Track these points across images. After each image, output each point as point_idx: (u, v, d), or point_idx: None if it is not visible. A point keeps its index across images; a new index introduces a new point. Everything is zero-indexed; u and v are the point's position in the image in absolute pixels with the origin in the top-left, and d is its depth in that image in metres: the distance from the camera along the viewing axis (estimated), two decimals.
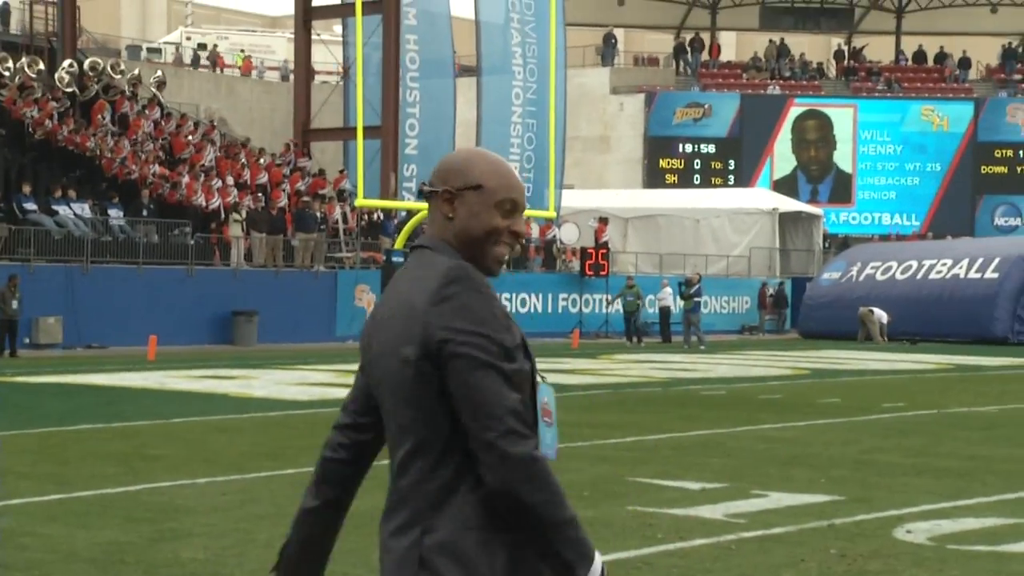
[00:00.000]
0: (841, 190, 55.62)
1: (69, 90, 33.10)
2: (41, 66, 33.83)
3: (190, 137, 34.37)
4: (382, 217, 34.48)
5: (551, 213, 30.92)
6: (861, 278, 39.10)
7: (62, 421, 13.74)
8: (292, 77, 44.73)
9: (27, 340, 25.83)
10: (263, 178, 34.24)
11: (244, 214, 31.30)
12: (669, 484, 9.86)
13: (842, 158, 55.63)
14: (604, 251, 37.03)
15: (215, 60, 54.26)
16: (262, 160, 35.28)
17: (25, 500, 8.87)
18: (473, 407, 2.35)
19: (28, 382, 18.90)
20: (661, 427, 13.91)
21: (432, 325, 2.39)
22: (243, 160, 34.51)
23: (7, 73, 32.45)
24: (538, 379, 2.53)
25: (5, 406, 15.49)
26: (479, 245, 2.54)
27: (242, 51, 56.73)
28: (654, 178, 53.34)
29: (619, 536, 7.75)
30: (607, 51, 56.99)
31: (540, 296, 35.83)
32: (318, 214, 32.22)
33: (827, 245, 49.37)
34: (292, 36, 42.34)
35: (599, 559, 2.40)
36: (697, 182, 53.25)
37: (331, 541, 2.70)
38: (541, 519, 2.36)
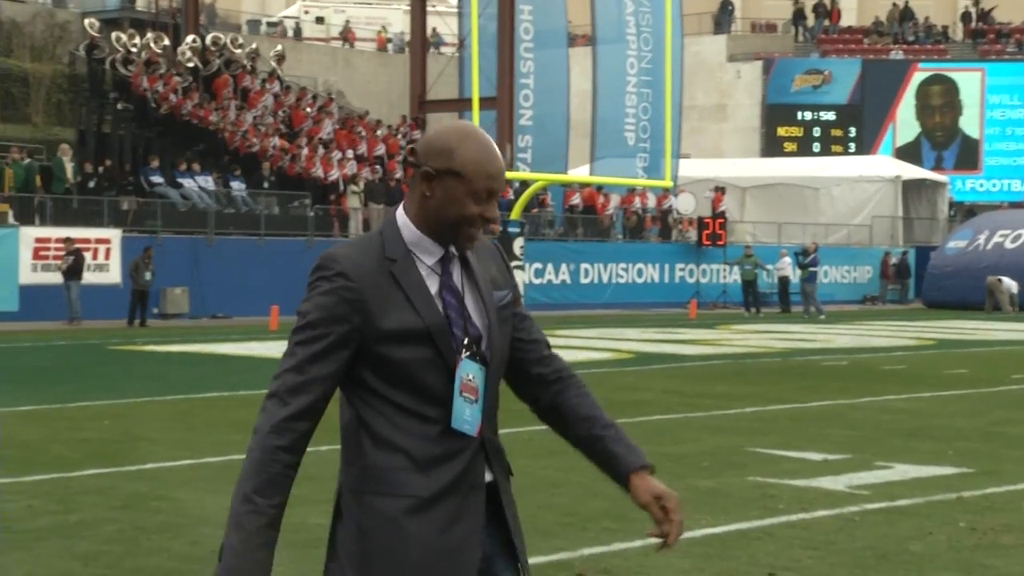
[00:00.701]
0: (967, 157, 54.10)
1: (192, 65, 33.78)
2: (166, 42, 34.57)
3: (309, 110, 34.85)
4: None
5: (667, 183, 30.70)
6: (989, 246, 38.04)
7: (190, 389, 14.11)
8: (408, 49, 45.01)
9: (155, 310, 26.53)
10: (380, 150, 34.58)
11: (362, 186, 31.67)
12: (790, 455, 9.75)
13: (968, 124, 54.09)
14: (721, 221, 36.66)
15: (346, 34, 54.80)
16: (379, 132, 35.62)
17: (157, 465, 9.14)
18: None
19: (157, 351, 19.44)
20: (780, 398, 13.78)
21: None
22: (361, 132, 34.89)
23: (134, 49, 33.22)
24: (462, 356, 2.65)
25: (136, 374, 15.96)
26: (451, 228, 2.68)
27: (383, 28, 56.88)
28: (772, 146, 52.57)
29: (740, 506, 7.70)
30: (723, 18, 56.18)
31: (657, 266, 35.65)
32: None
33: (952, 213, 48.14)
34: (408, 8, 42.56)
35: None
36: (816, 150, 52.34)
37: None
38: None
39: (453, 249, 2.72)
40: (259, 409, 2.69)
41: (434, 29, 49.40)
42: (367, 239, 2.73)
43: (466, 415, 2.67)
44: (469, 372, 2.67)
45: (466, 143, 2.68)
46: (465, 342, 2.69)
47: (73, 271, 24.77)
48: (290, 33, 54.30)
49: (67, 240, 24.99)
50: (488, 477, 2.75)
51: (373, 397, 2.65)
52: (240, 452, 9.83)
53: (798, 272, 33.61)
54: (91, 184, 28.00)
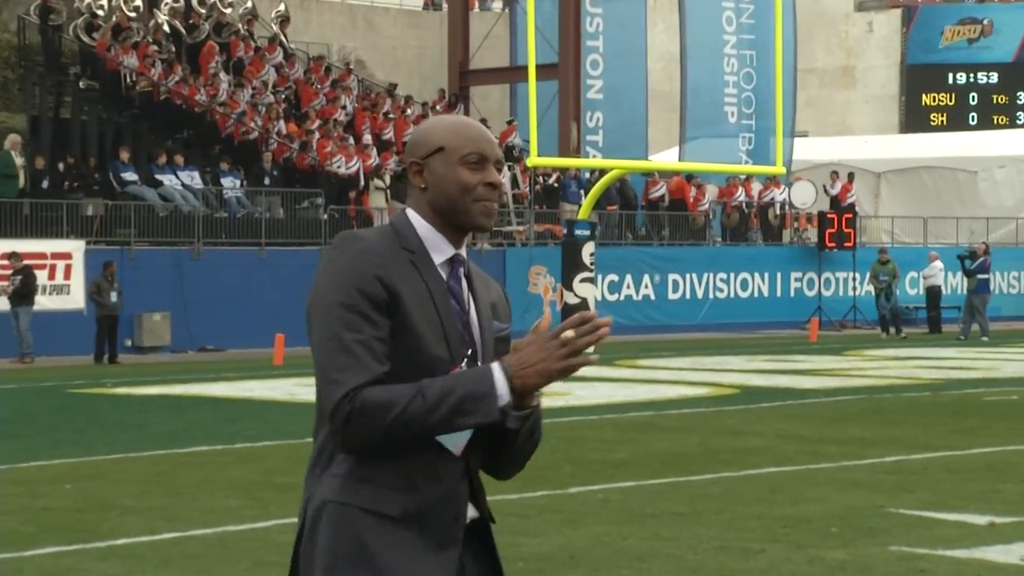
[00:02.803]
0: None
1: (172, 31, 34.12)
2: (139, 2, 34.96)
3: (320, 85, 35.08)
4: (561, 179, 34.60)
5: (779, 169, 30.41)
6: None
7: (173, 442, 14.18)
8: (446, 6, 45.19)
9: (128, 342, 26.77)
10: (411, 132, 34.70)
11: (388, 180, 31.80)
12: (945, 517, 9.69)
13: None
14: (849, 216, 36.41)
15: None
16: (410, 111, 35.78)
17: (132, 540, 9.17)
18: None
19: (131, 394, 19.57)
20: (931, 443, 13.69)
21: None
22: (387, 112, 35.05)
23: (100, 12, 33.58)
24: (461, 365, 3.19)
25: (106, 424, 16.07)
26: (458, 205, 3.24)
27: None
28: (915, 119, 52.18)
29: None
30: None
31: (766, 276, 35.45)
32: None
33: None
34: None
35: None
36: (973, 122, 51.87)
37: None
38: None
39: (462, 253, 3.27)
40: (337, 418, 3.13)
41: None
42: (380, 229, 3.25)
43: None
44: None
45: (439, 121, 3.32)
46: (469, 352, 3.20)
47: (21, 295, 25.02)
48: None
49: (13, 256, 25.25)
50: (473, 512, 3.24)
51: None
52: (238, 522, 9.86)
53: (953, 280, 33.29)
54: (45, 184, 28.33)
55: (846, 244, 35.76)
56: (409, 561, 3.11)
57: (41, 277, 25.85)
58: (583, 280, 27.84)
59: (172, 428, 15.50)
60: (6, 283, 25.16)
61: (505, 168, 33.86)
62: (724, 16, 38.36)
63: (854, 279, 36.14)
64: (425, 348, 3.14)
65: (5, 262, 25.34)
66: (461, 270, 3.28)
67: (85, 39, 32.87)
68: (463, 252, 3.29)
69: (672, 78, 40.18)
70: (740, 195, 37.30)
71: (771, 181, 37.08)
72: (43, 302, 25.90)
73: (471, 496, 3.23)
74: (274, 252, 28.83)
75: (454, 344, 3.18)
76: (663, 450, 13.52)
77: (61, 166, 28.79)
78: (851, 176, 39.23)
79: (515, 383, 3.09)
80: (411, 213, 3.27)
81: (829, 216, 36.18)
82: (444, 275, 3.24)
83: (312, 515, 3.16)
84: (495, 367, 3.10)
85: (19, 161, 27.95)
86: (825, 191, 38.05)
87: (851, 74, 53.44)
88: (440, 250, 3.24)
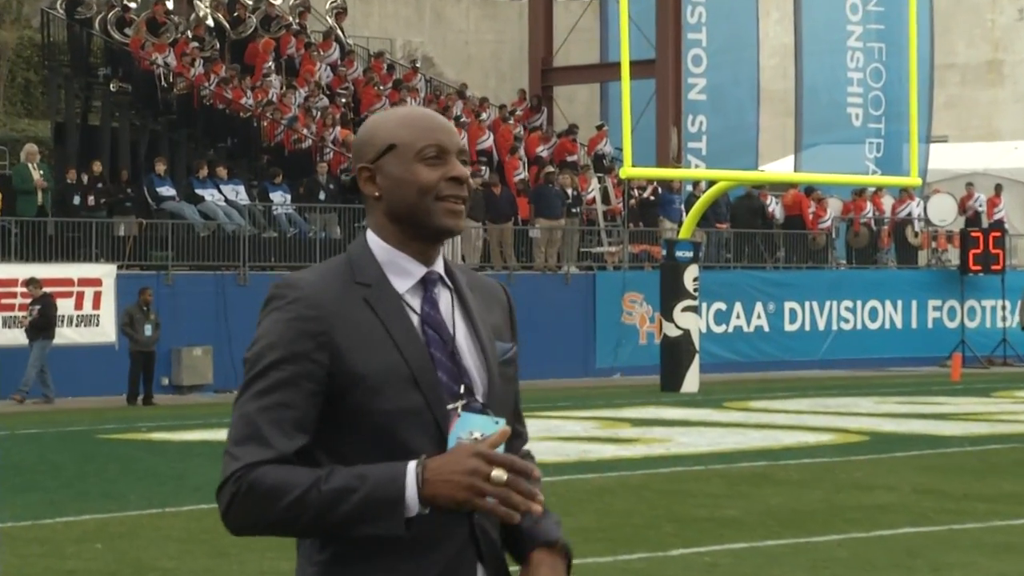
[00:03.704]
0: None
1: (215, 25, 34.44)
2: None
3: (382, 87, 35.28)
4: (659, 192, 34.56)
5: (914, 180, 30.22)
6: None
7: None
8: None
9: (165, 380, 26.99)
10: (487, 140, 34.84)
11: None
12: None
13: None
14: (997, 234, 36.07)
15: None
16: (485, 115, 35.90)
17: None
18: None
19: (170, 440, 19.74)
20: None
21: None
22: (459, 116, 35.18)
23: (133, 5, 33.94)
24: (458, 408, 3.02)
25: (140, 474, 16.19)
26: (418, 208, 3.13)
27: None
28: None
29: None
30: None
31: (899, 304, 35.17)
32: (567, 190, 32.57)
33: None
34: None
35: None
36: None
37: None
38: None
39: (438, 269, 3.16)
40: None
41: None
42: (331, 264, 3.17)
43: None
44: (473, 428, 2.97)
45: (386, 117, 3.21)
46: (460, 390, 3.06)
47: (39, 327, 25.23)
48: None
49: (31, 282, 25.44)
50: None
51: (342, 464, 3.00)
52: None
53: None
54: (74, 200, 28.62)
55: (993, 267, 35.40)
56: None
57: (67, 306, 26.12)
58: (685, 309, 27.77)
59: (216, 479, 15.53)
60: (24, 313, 25.42)
61: (595, 180, 33.91)
62: (848, 3, 38.18)
63: (1003, 308, 35.75)
64: (386, 402, 3.01)
65: (23, 290, 25.57)
66: (438, 290, 3.15)
67: (116, 36, 33.20)
68: (439, 267, 3.16)
69: (787, 76, 40.03)
70: (868, 211, 37.05)
71: (905, 194, 36.81)
72: (69, 335, 26.18)
73: (479, 559, 3.08)
74: None
75: (429, 386, 3.02)
76: (780, 506, 13.44)
77: (88, 179, 29.00)
78: (998, 188, 38.86)
79: (423, 491, 2.90)
80: (370, 236, 3.17)
81: (973, 235, 35.85)
82: (416, 303, 3.11)
83: None
84: (410, 469, 2.91)
85: (38, 175, 28.19)
86: (962, 206, 37.72)
87: (998, 69, 52.98)
88: (407, 273, 3.12)
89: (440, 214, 3.12)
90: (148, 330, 25.64)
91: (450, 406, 3.03)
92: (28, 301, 25.42)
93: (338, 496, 2.91)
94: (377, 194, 3.15)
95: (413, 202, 3.11)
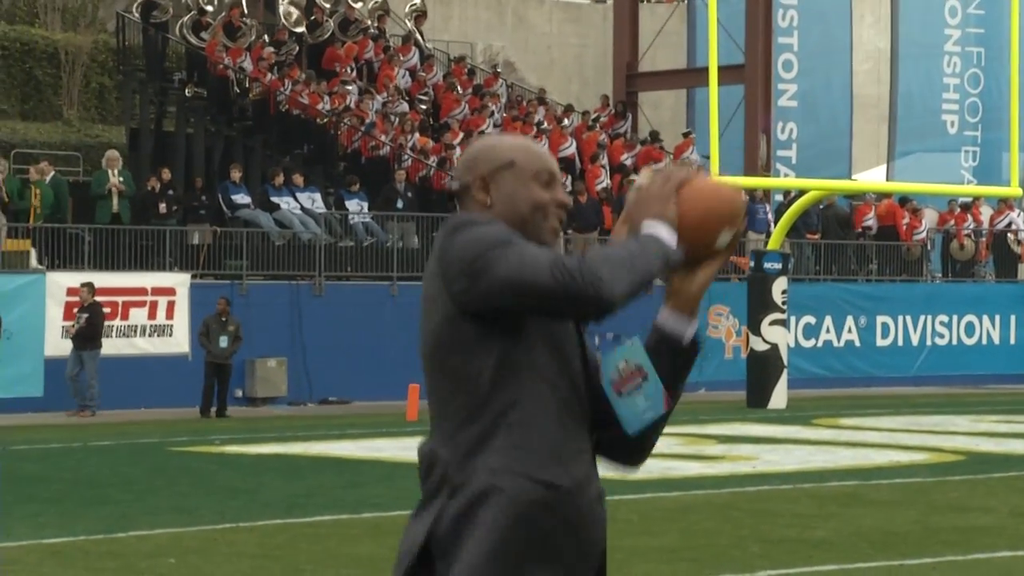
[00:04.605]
0: None
1: (296, 30, 34.61)
2: None
3: (463, 91, 35.32)
4: (747, 202, 34.41)
5: (1015, 190, 29.96)
6: None
7: (291, 511, 14.33)
8: None
9: (239, 392, 27.14)
10: (569, 147, 34.83)
11: None
12: None
13: None
14: None
15: None
16: (567, 121, 35.89)
17: None
18: None
19: (243, 453, 19.83)
20: None
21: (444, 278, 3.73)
22: (541, 122, 35.19)
23: (209, 8, 34.13)
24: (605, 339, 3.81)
25: (213, 488, 16.28)
26: (528, 223, 3.66)
27: None
28: None
29: None
30: None
31: (998, 319, 34.84)
32: None
33: None
34: None
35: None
36: None
37: None
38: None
39: None
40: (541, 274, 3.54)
41: None
42: None
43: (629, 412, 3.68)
44: (620, 360, 3.73)
45: (504, 138, 3.75)
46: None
47: (86, 336, 25.27)
48: None
49: (86, 286, 25.39)
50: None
51: (528, 372, 3.60)
52: None
53: None
54: (162, 208, 28.72)
55: None
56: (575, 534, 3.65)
57: (140, 316, 26.32)
58: (773, 323, 27.65)
59: (290, 493, 15.64)
60: (71, 322, 25.39)
61: None
62: (947, 7, 37.93)
63: None
64: (561, 344, 3.70)
65: (76, 298, 25.49)
66: None
67: (192, 40, 33.40)
68: None
69: (881, 81, 39.81)
70: (969, 223, 36.69)
71: (1004, 204, 36.49)
72: (142, 345, 26.39)
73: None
74: (408, 288, 28.99)
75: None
76: (872, 527, 13.34)
77: (160, 186, 29.08)
78: None
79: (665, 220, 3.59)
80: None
81: None
82: None
83: (470, 501, 3.60)
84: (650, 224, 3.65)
85: (116, 180, 28.32)
86: None
87: None
88: None
89: (545, 231, 3.66)
90: (224, 341, 25.75)
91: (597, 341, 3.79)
92: (76, 309, 25.33)
93: (627, 251, 3.59)
94: (488, 203, 3.67)
95: (525, 216, 3.65)
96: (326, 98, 32.47)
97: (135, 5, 34.06)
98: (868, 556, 11.79)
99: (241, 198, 29.36)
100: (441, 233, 3.65)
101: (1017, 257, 37.29)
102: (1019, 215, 37.10)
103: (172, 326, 26.92)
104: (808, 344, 32.43)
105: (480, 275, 3.52)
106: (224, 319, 25.84)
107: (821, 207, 33.68)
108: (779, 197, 34.23)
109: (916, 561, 11.58)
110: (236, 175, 29.58)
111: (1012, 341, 34.99)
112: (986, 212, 37.21)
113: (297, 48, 34.22)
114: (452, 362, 3.66)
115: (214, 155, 32.00)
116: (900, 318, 33.77)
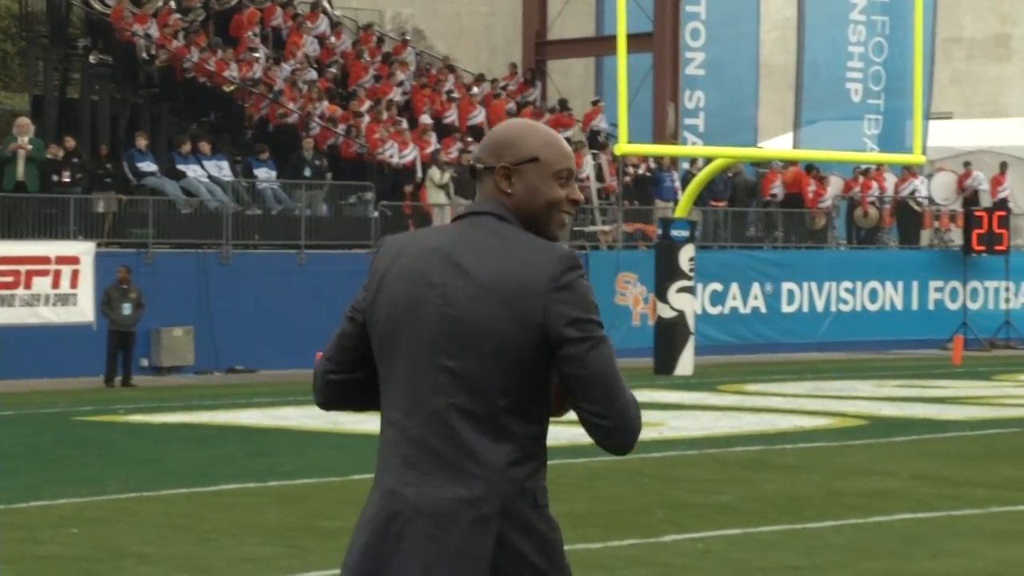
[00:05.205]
0: None
1: None
2: None
3: (371, 59, 35.22)
4: (655, 170, 34.55)
5: (917, 157, 30.21)
6: None
7: (197, 479, 14.28)
8: None
9: (145, 361, 26.98)
10: (478, 116, 34.80)
11: (448, 174, 31.88)
12: None
13: None
14: (1001, 214, 36.09)
15: None
16: (476, 90, 35.85)
17: None
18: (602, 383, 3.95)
19: (148, 422, 19.71)
20: None
21: (553, 311, 3.84)
22: (450, 91, 35.15)
23: None
24: None
25: (118, 458, 16.19)
26: (542, 216, 3.94)
27: None
28: None
29: None
30: None
31: (900, 285, 35.18)
32: None
33: None
34: None
35: None
36: None
37: None
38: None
39: None
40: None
41: None
42: (525, 241, 3.95)
43: None
44: None
45: (531, 129, 3.98)
46: None
47: None
48: None
49: None
50: None
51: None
52: (273, 573, 9.89)
53: None
54: (67, 177, 28.47)
55: (997, 247, 35.41)
56: None
57: (43, 285, 26.09)
58: (680, 290, 27.79)
59: (196, 463, 15.59)
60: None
61: (588, 156, 33.85)
62: None
63: (1007, 289, 35.79)
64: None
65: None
66: None
67: (97, 6, 33.10)
68: None
69: (788, 50, 40.00)
70: (873, 190, 36.99)
71: (907, 172, 36.81)
72: (45, 314, 26.16)
73: None
74: (316, 256, 28.96)
75: None
76: (776, 492, 13.47)
77: (64, 154, 28.79)
78: (1004, 166, 38.86)
79: None
80: (516, 222, 3.93)
81: (977, 214, 35.85)
82: None
83: (524, 522, 4.26)
84: None
85: (23, 141, 27.65)
86: (959, 185, 37.72)
87: (1005, 44, 52.94)
88: None
89: (555, 224, 3.96)
90: (127, 309, 25.60)
91: None
92: None
93: None
94: (509, 191, 3.93)
95: (541, 209, 3.94)
96: (233, 65, 32.27)
97: None
98: (772, 520, 11.91)
99: (147, 166, 29.14)
100: (557, 262, 3.84)
101: (920, 224, 37.67)
102: (922, 182, 37.47)
103: (76, 295, 26.71)
104: (715, 311, 32.62)
105: (599, 345, 3.84)
106: (125, 287, 25.70)
107: (728, 175, 33.83)
108: (686, 165, 34.34)
109: (819, 524, 11.71)
110: (142, 143, 29.35)
111: (914, 307, 35.34)
112: (890, 180, 37.52)
113: (204, 15, 33.98)
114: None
115: (120, 123, 31.71)
116: (805, 285, 34.02)
